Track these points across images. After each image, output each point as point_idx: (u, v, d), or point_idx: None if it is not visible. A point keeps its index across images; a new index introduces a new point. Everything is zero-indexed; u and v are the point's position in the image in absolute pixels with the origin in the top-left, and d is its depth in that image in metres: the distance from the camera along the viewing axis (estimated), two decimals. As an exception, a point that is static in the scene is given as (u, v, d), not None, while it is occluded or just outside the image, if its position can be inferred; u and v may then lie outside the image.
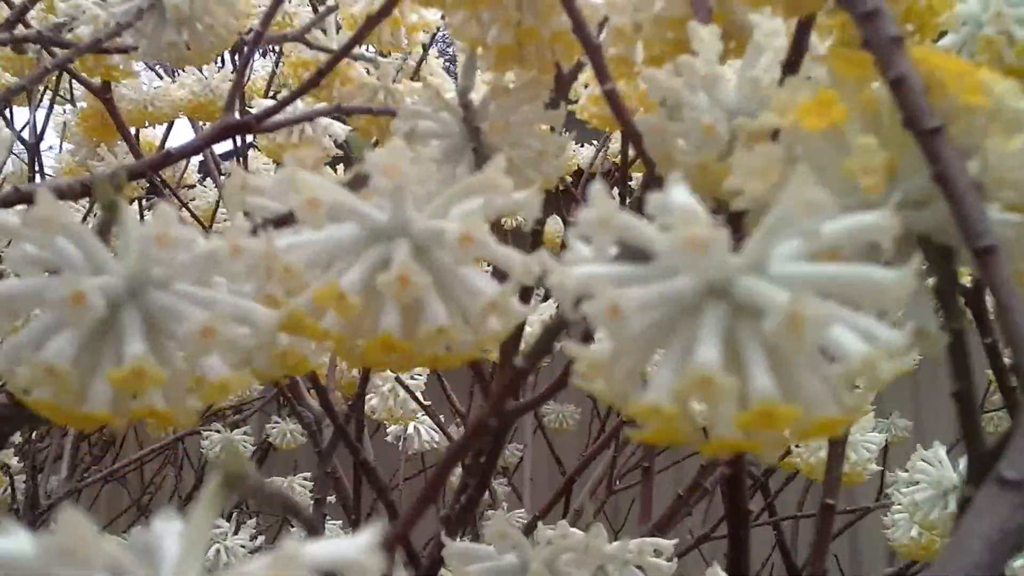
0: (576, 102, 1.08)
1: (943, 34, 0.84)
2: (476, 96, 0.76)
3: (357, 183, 0.46)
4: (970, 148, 0.42)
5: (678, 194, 0.38)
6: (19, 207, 0.73)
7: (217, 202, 2.18)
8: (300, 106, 1.38)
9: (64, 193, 0.74)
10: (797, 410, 0.33)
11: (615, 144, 1.92)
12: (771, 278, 0.35)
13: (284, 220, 0.46)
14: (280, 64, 1.93)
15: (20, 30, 1.11)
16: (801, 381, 0.34)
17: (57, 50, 1.21)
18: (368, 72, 1.37)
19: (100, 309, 0.38)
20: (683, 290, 0.35)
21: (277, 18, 1.76)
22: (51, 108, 2.11)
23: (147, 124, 1.88)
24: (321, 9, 1.36)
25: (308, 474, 2.28)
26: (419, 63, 1.58)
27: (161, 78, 1.83)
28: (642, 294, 0.35)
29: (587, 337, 0.64)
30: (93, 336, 0.40)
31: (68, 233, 0.41)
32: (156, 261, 0.41)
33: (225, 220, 2.28)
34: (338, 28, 1.41)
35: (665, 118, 0.62)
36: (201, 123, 2.00)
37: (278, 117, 0.94)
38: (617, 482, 1.52)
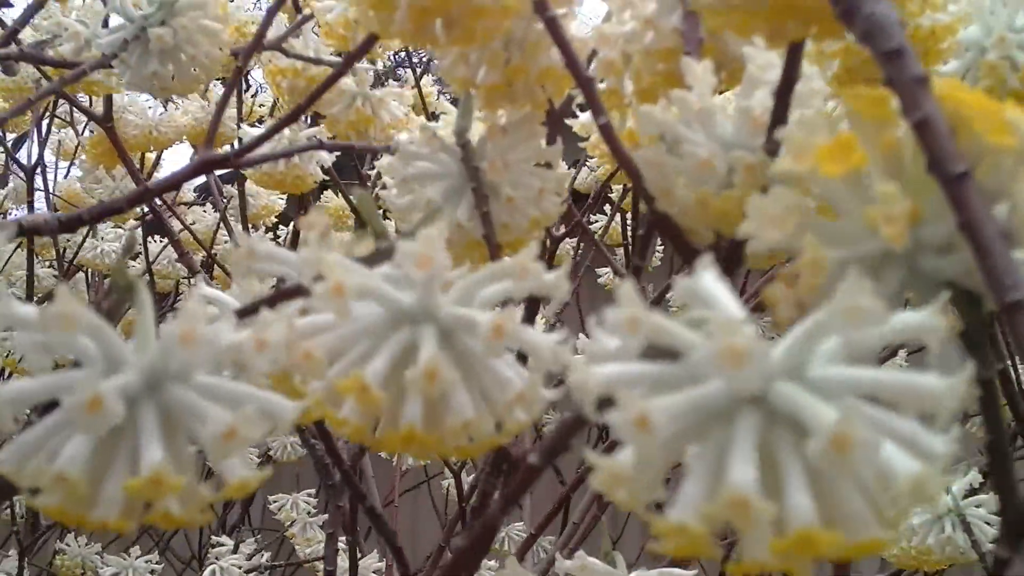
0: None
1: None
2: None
3: (380, 257, 0.45)
4: (998, 191, 0.40)
5: (714, 289, 0.36)
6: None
7: (218, 225, 2.17)
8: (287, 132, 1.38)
9: (41, 228, 0.73)
10: (838, 536, 0.31)
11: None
12: (811, 384, 0.33)
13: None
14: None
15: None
16: (842, 501, 0.32)
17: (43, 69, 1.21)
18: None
19: (118, 415, 0.36)
20: (717, 398, 0.33)
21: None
22: (48, 132, 2.10)
23: (151, 149, 1.87)
24: (297, 17, 1.35)
25: (312, 490, 2.27)
26: (417, 81, 1.57)
27: (165, 107, 1.82)
28: (673, 405, 0.33)
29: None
30: (107, 437, 0.38)
31: (87, 330, 0.39)
32: (177, 355, 0.39)
33: (225, 242, 2.28)
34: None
35: (663, 153, 0.61)
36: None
37: (261, 150, 0.93)
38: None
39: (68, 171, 2.39)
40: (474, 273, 0.43)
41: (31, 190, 1.97)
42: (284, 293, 0.46)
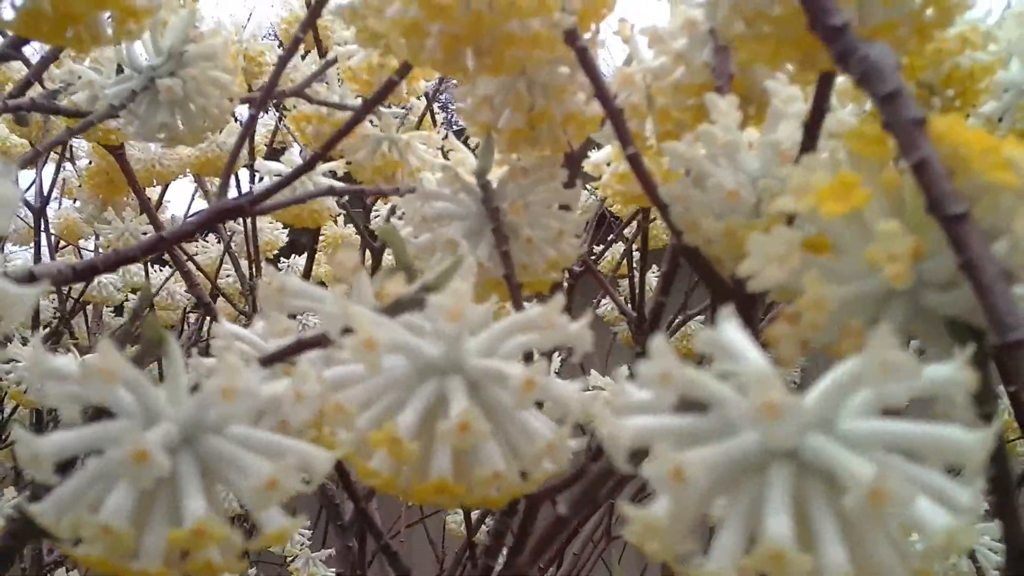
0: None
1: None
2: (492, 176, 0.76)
3: (407, 306, 0.46)
4: (997, 227, 0.41)
5: (738, 341, 0.37)
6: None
7: (222, 258, 2.17)
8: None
9: (54, 278, 0.73)
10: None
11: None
12: (843, 437, 0.34)
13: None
14: (283, 118, 1.94)
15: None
16: (875, 552, 0.33)
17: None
18: (371, 123, 1.37)
19: (164, 468, 0.37)
20: (751, 451, 0.34)
21: (289, 75, 1.77)
22: (58, 171, 2.12)
23: (155, 183, 1.87)
24: (321, 63, 1.36)
25: (307, 522, 2.26)
26: (422, 115, 1.58)
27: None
28: (708, 457, 0.34)
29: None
30: (148, 488, 0.39)
31: (126, 382, 0.40)
32: (215, 407, 0.40)
33: (228, 275, 2.28)
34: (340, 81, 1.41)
35: (689, 187, 0.62)
36: (208, 179, 2.00)
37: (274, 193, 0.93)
38: (614, 528, 1.50)
39: (60, 203, 2.39)
40: (499, 323, 0.44)
41: (38, 231, 1.97)
42: (308, 343, 0.47)
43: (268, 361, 0.48)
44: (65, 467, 0.41)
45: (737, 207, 0.59)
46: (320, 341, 0.46)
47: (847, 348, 0.41)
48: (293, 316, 0.53)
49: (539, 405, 0.45)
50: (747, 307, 0.60)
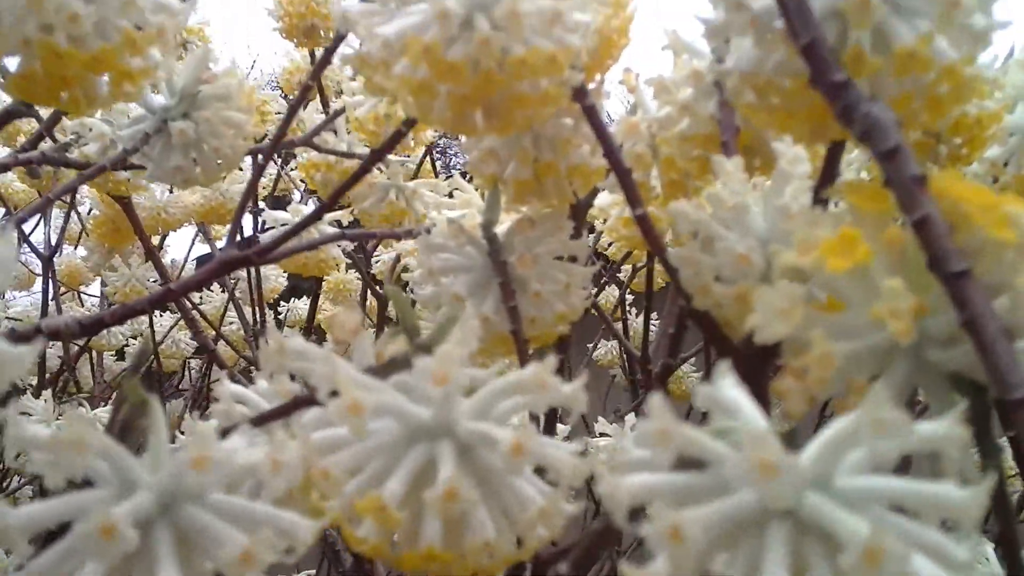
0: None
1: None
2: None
3: (398, 366, 0.45)
4: (999, 285, 0.41)
5: (735, 398, 0.37)
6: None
7: (226, 305, 2.18)
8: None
9: (62, 333, 0.73)
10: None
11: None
12: (839, 495, 0.34)
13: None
14: (286, 166, 1.95)
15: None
16: None
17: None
18: (379, 171, 1.38)
19: (131, 542, 0.37)
20: (748, 509, 0.34)
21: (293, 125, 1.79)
22: (66, 220, 2.13)
23: (160, 231, 1.89)
24: (329, 112, 1.37)
25: (312, 572, 2.25)
26: (421, 161, 1.59)
27: (171, 189, 1.85)
28: (705, 516, 0.34)
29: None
30: (122, 561, 0.39)
31: (99, 452, 0.40)
32: (191, 475, 0.40)
33: (232, 323, 2.29)
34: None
35: (697, 251, 0.62)
36: (213, 226, 2.02)
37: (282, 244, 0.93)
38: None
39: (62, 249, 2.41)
40: (491, 385, 0.44)
41: (46, 279, 1.98)
42: (299, 402, 0.47)
43: (260, 421, 0.48)
44: (54, 535, 0.40)
45: (747, 271, 0.59)
46: (312, 401, 0.45)
47: (853, 402, 0.41)
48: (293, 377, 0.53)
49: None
50: (757, 369, 0.60)
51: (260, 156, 1.09)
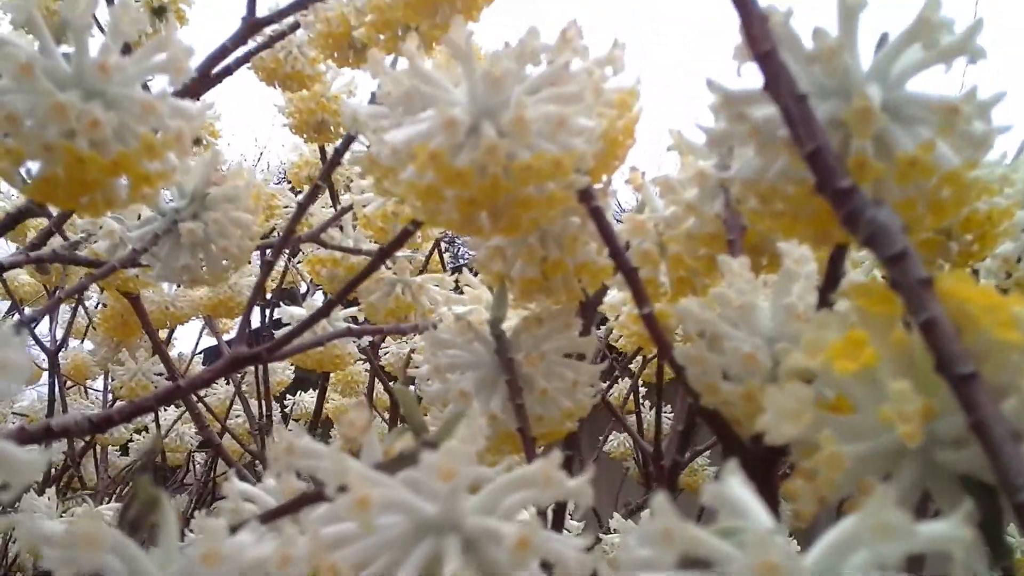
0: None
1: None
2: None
3: (406, 462, 0.46)
4: (1006, 386, 0.42)
5: (742, 497, 0.37)
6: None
7: (232, 399, 2.19)
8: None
9: (71, 431, 0.74)
10: None
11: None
12: None
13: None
14: (293, 258, 1.98)
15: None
16: None
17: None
18: (386, 267, 1.40)
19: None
20: None
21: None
22: (73, 315, 2.15)
23: (168, 324, 1.90)
24: (338, 207, 1.40)
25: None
26: (429, 255, 1.61)
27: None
28: None
29: None
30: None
31: (112, 548, 0.40)
32: (201, 572, 0.40)
33: (238, 416, 2.29)
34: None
35: (704, 349, 0.63)
36: (220, 320, 2.04)
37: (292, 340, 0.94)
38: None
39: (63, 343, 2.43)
40: (497, 480, 0.45)
41: (52, 374, 2.00)
42: (307, 499, 0.48)
43: (268, 518, 0.48)
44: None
45: (755, 370, 0.60)
46: (320, 497, 0.46)
47: (864, 503, 0.42)
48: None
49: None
50: (766, 468, 0.61)
51: (269, 252, 1.11)
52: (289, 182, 1.99)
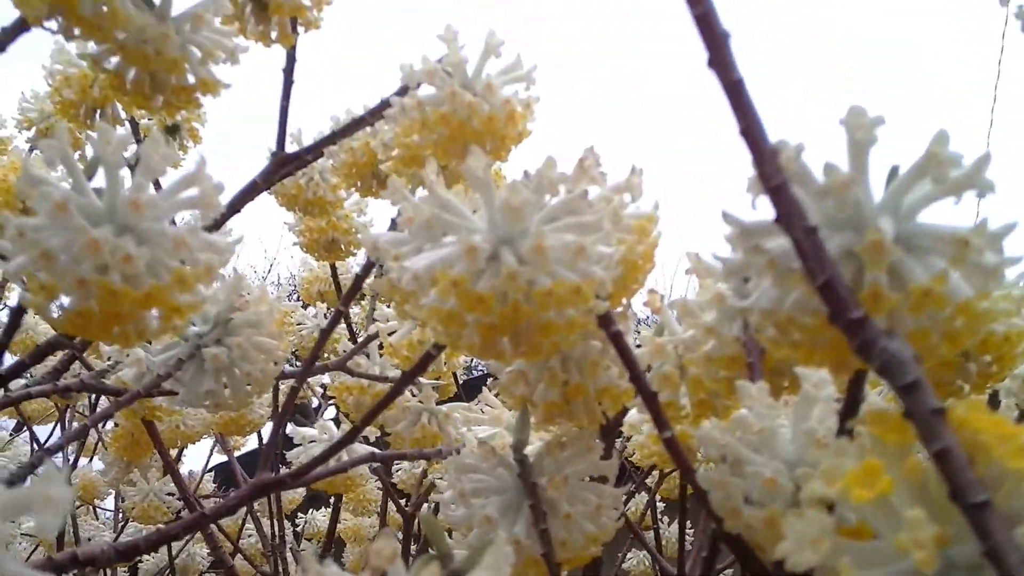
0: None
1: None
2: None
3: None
4: (1019, 514, 0.43)
5: None
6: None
7: (244, 519, 2.19)
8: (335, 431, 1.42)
9: (98, 559, 0.76)
10: None
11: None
12: None
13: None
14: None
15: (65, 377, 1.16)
16: None
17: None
18: (412, 394, 1.42)
19: None
20: None
21: (313, 334, 1.85)
22: (85, 436, 2.16)
23: (179, 443, 1.92)
24: (362, 337, 1.43)
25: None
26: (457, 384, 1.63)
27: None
28: None
29: None
30: None
31: None
32: None
33: (250, 536, 2.29)
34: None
35: (726, 473, 0.64)
36: (232, 439, 2.05)
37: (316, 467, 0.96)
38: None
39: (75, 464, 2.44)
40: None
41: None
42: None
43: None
44: None
45: (776, 495, 0.61)
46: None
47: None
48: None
49: None
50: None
51: (292, 380, 1.14)
52: (300, 298, 2.02)
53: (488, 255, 0.63)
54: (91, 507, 2.57)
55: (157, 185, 0.67)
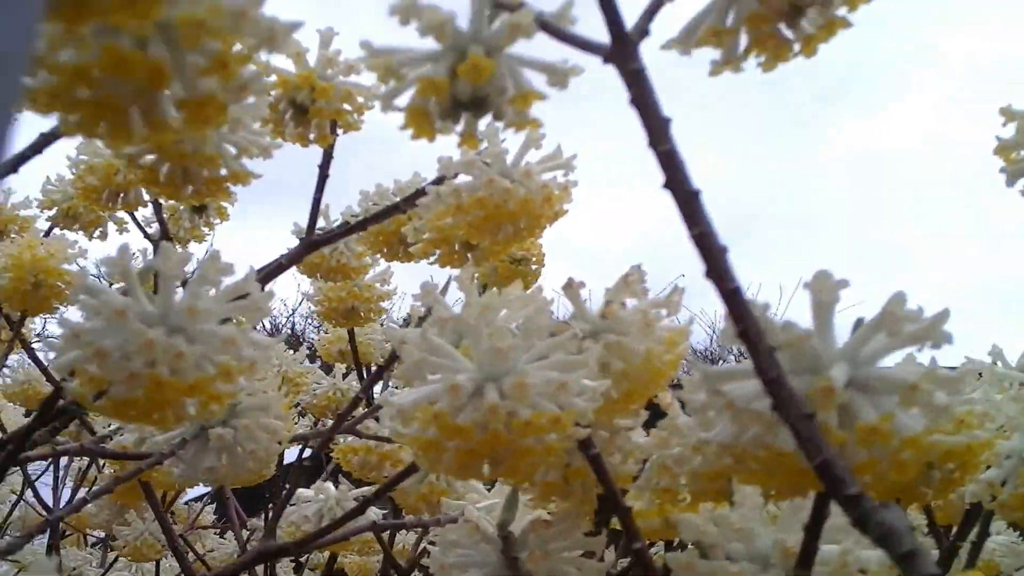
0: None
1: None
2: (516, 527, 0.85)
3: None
4: None
5: None
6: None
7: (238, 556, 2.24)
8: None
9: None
10: None
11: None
12: None
13: None
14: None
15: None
16: None
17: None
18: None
19: None
20: None
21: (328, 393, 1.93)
22: (81, 481, 2.24)
23: (176, 488, 1.97)
24: (375, 401, 1.48)
25: None
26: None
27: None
28: None
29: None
30: None
31: None
32: None
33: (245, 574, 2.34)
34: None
35: (695, 557, 0.72)
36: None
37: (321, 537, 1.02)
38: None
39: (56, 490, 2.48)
40: None
41: (55, 533, 2.06)
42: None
43: None
44: None
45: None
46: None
47: None
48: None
49: None
50: None
51: (310, 446, 1.16)
52: (319, 357, 2.06)
53: (471, 392, 0.69)
54: (80, 535, 2.61)
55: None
